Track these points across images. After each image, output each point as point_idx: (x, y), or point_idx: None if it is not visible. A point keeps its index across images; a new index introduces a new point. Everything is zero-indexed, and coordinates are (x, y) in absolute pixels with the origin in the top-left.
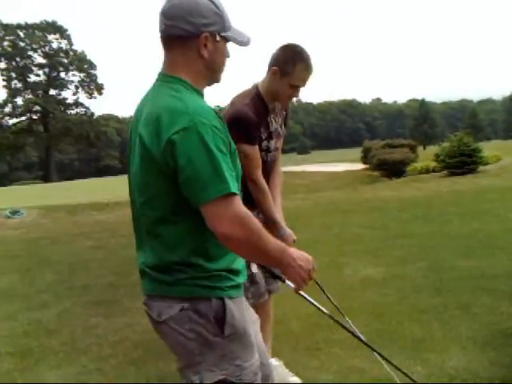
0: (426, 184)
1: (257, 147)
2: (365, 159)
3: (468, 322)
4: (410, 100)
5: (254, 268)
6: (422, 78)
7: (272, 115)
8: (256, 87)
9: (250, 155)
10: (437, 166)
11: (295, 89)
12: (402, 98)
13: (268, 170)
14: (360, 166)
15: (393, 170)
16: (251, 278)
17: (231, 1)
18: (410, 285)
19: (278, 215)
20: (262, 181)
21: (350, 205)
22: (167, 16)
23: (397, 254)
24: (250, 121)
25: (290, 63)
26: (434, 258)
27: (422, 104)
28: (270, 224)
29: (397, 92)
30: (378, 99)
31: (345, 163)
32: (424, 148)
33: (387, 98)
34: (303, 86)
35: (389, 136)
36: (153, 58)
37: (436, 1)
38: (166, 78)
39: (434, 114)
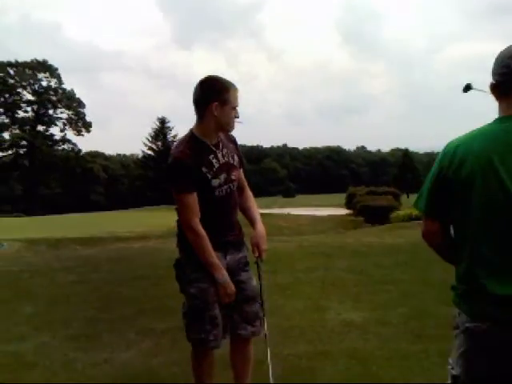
0: (409, 231)
1: (192, 194)
2: (349, 204)
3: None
4: (394, 149)
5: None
6: (406, 128)
7: (217, 151)
8: (191, 131)
9: (183, 203)
10: (419, 214)
11: (235, 110)
12: (385, 147)
13: (229, 201)
14: (344, 211)
15: (376, 216)
16: (211, 320)
17: None
18: (391, 330)
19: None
20: (199, 228)
21: (333, 249)
22: None
23: (378, 299)
24: (181, 168)
25: (223, 91)
26: (416, 305)
27: (406, 153)
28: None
29: (380, 141)
30: (363, 147)
31: (329, 208)
32: (407, 196)
33: (371, 147)
34: (237, 104)
35: (372, 183)
36: (139, 102)
37: (418, 51)
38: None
39: (417, 163)
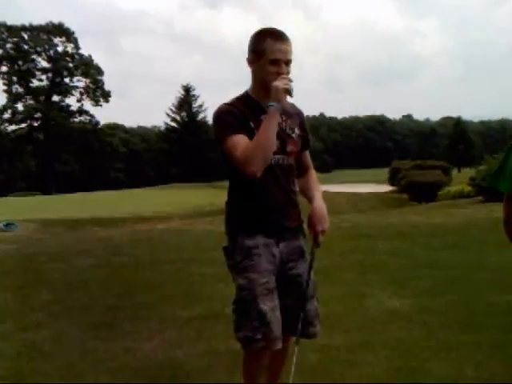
0: (460, 210)
1: (241, 135)
2: (392, 180)
3: (503, 362)
4: (445, 118)
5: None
6: (458, 94)
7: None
8: (246, 91)
9: (232, 145)
10: (472, 191)
11: (279, 64)
12: (435, 116)
13: (282, 174)
14: (387, 187)
15: (423, 193)
16: (260, 316)
17: None
18: (439, 319)
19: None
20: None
21: (375, 230)
22: None
23: (424, 285)
24: (226, 113)
25: (259, 41)
26: (466, 291)
27: (458, 123)
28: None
29: (430, 109)
30: (409, 116)
31: (370, 184)
32: (459, 171)
33: (419, 115)
34: (285, 58)
35: (420, 156)
36: (162, 68)
37: (481, 12)
38: None
39: (471, 133)
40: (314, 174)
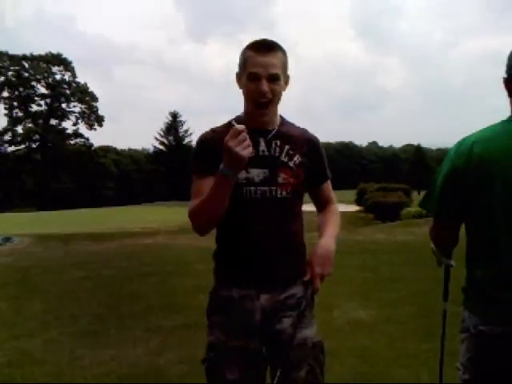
0: (420, 228)
1: (205, 179)
2: (359, 201)
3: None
4: (406, 145)
5: None
6: (418, 124)
7: (260, 138)
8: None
9: (192, 188)
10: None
11: (259, 80)
12: (398, 143)
13: (269, 211)
14: (354, 207)
15: (387, 213)
16: None
17: None
18: (400, 329)
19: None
20: (191, 207)
21: (343, 246)
22: None
23: (387, 297)
24: (199, 148)
25: (242, 53)
26: (425, 303)
27: (418, 149)
28: None
29: (393, 136)
30: (375, 142)
31: (339, 204)
32: (419, 193)
33: (383, 142)
34: (265, 72)
35: (384, 179)
36: (151, 96)
37: (438, 52)
38: None
39: (429, 159)
40: (333, 209)
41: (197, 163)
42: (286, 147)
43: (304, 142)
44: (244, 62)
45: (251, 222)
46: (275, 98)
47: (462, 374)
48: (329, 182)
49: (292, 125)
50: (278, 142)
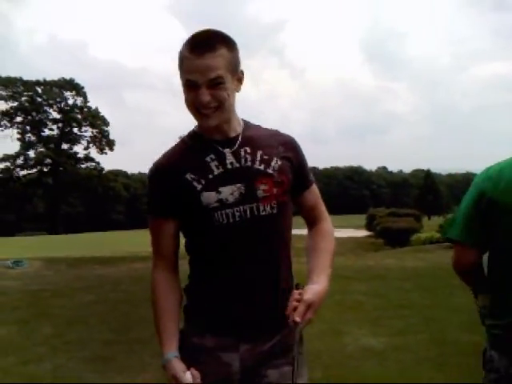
0: (430, 254)
1: (161, 220)
2: (369, 226)
3: None
4: (416, 170)
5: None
6: (428, 148)
7: (226, 149)
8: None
9: (150, 231)
10: (441, 237)
11: (196, 88)
12: (407, 168)
13: (250, 238)
14: (364, 232)
15: (397, 238)
16: None
17: None
18: (411, 357)
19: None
20: (157, 276)
21: (352, 271)
22: None
23: (398, 324)
24: (152, 178)
25: (179, 55)
26: (437, 331)
27: (428, 174)
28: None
29: (402, 161)
30: (384, 167)
31: (348, 229)
32: (429, 218)
33: (393, 167)
34: (204, 79)
35: (393, 204)
36: (161, 120)
37: (447, 77)
38: None
39: (439, 184)
40: (324, 229)
41: (151, 203)
42: (259, 153)
43: (278, 143)
44: (180, 64)
45: (230, 253)
46: (222, 104)
47: None
48: (314, 186)
49: (259, 127)
50: (248, 149)
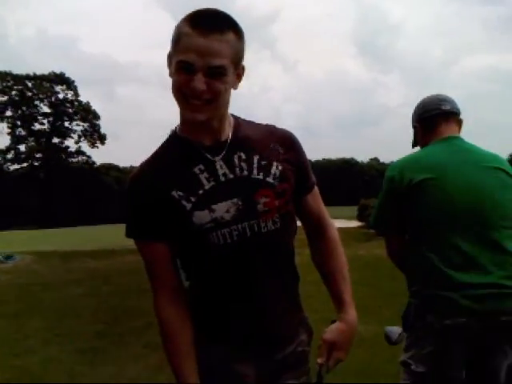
0: None
1: (153, 245)
2: (361, 217)
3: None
4: None
5: None
6: None
7: (216, 157)
8: (175, 128)
9: (143, 259)
10: None
11: (191, 73)
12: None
13: (253, 261)
14: (356, 223)
15: None
16: None
17: None
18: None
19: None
20: (164, 309)
21: None
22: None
23: (388, 312)
24: (131, 197)
25: (175, 30)
26: None
27: None
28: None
29: (394, 153)
30: (376, 159)
31: (341, 220)
32: None
33: (384, 159)
34: (203, 63)
35: None
36: (153, 114)
37: (437, 69)
38: None
39: None
40: (334, 240)
41: (136, 225)
42: (256, 158)
43: (275, 142)
44: (176, 41)
45: (230, 273)
46: (217, 100)
47: (414, 368)
48: (316, 189)
49: (251, 124)
50: (243, 155)
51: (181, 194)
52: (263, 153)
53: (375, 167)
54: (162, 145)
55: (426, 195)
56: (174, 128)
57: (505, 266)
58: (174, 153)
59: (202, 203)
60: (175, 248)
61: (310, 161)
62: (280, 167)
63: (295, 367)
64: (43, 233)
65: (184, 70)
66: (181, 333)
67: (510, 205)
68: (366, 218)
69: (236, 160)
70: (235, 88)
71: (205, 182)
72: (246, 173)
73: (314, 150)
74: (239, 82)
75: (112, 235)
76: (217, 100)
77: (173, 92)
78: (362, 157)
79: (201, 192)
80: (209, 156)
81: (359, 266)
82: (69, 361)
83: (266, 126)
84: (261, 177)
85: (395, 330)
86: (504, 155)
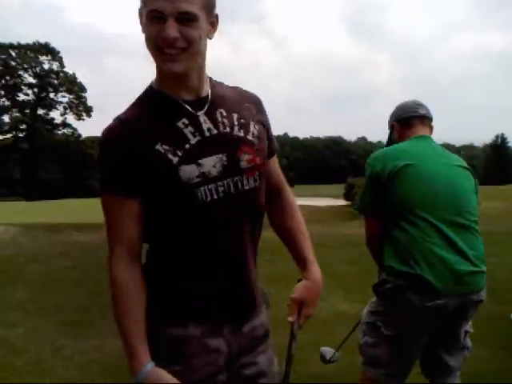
0: None
1: (122, 200)
2: (347, 195)
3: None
4: None
5: None
6: None
7: (198, 112)
8: (151, 82)
9: (104, 213)
10: None
11: (162, 21)
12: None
13: (236, 216)
14: (342, 201)
15: None
16: None
17: None
18: None
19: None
20: (118, 268)
21: (329, 239)
22: None
23: (371, 290)
24: (109, 148)
25: None
26: None
27: None
28: None
29: (382, 132)
30: (364, 138)
31: (328, 198)
32: None
33: (372, 138)
34: (172, 9)
35: None
36: (140, 86)
37: (427, 47)
38: None
39: None
40: (291, 200)
41: (110, 177)
42: (235, 116)
43: (248, 103)
44: None
45: (214, 235)
46: (192, 47)
47: (383, 330)
48: (275, 156)
49: (223, 84)
50: (224, 112)
51: (166, 147)
52: (241, 112)
53: (363, 146)
54: (138, 98)
55: (406, 178)
56: (150, 83)
57: (475, 246)
58: (154, 106)
59: (189, 158)
60: (148, 207)
61: (297, 138)
62: (257, 127)
63: (262, 340)
64: (28, 205)
65: (155, 20)
66: (133, 294)
67: (471, 194)
68: (353, 197)
69: (219, 116)
70: (210, 38)
71: (190, 136)
72: (228, 129)
73: (302, 128)
74: (214, 31)
75: (98, 208)
76: (192, 47)
77: (147, 45)
78: (350, 135)
79: (187, 146)
80: (192, 110)
81: (343, 245)
82: (52, 333)
83: (236, 87)
84: (241, 134)
85: (328, 350)
86: (491, 136)
